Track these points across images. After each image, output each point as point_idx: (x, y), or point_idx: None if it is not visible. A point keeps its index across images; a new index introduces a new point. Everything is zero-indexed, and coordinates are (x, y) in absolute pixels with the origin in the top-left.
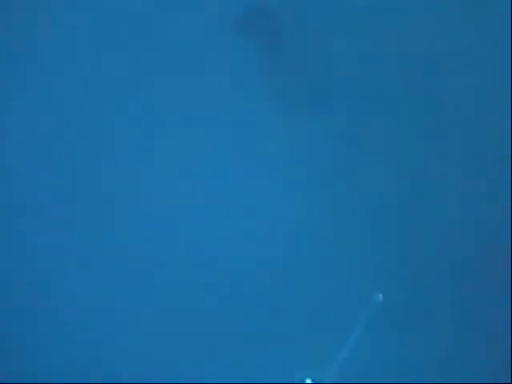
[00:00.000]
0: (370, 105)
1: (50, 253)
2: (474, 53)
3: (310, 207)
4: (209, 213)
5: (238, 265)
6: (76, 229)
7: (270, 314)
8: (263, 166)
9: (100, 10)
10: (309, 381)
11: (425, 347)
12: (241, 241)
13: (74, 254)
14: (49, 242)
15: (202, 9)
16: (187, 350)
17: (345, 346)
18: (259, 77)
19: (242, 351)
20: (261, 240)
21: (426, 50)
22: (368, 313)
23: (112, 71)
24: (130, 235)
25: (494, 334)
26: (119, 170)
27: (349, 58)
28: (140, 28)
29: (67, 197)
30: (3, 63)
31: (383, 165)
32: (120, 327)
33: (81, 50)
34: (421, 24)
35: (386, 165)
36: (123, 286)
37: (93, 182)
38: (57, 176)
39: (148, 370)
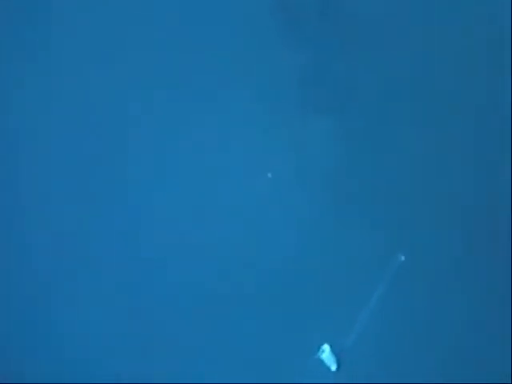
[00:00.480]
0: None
1: (51, 253)
2: (477, 56)
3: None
4: (219, 211)
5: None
6: (78, 227)
7: (288, 279)
8: (274, 165)
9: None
10: (326, 346)
11: (425, 347)
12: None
13: (74, 254)
14: (50, 242)
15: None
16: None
17: (364, 310)
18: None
19: (259, 314)
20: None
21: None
22: (389, 275)
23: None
24: (130, 236)
25: (493, 333)
26: (127, 170)
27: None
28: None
29: (70, 197)
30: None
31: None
32: (121, 327)
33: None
34: (430, 29)
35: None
36: (124, 285)
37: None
38: (65, 178)
39: (150, 369)
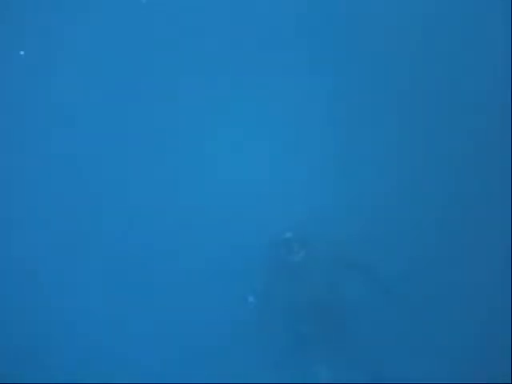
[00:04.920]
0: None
1: (50, 253)
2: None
3: None
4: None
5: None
6: (73, 225)
7: None
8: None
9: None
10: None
11: (425, 348)
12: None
13: (72, 252)
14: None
15: None
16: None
17: None
18: None
19: None
20: None
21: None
22: None
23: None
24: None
25: (493, 333)
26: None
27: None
28: None
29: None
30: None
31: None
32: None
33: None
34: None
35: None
36: (123, 285)
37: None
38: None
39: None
